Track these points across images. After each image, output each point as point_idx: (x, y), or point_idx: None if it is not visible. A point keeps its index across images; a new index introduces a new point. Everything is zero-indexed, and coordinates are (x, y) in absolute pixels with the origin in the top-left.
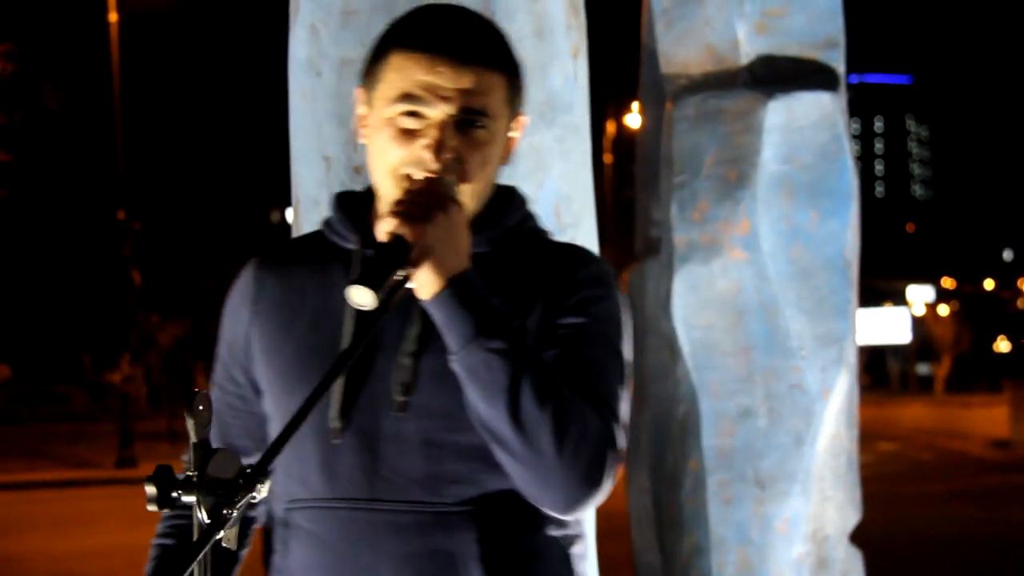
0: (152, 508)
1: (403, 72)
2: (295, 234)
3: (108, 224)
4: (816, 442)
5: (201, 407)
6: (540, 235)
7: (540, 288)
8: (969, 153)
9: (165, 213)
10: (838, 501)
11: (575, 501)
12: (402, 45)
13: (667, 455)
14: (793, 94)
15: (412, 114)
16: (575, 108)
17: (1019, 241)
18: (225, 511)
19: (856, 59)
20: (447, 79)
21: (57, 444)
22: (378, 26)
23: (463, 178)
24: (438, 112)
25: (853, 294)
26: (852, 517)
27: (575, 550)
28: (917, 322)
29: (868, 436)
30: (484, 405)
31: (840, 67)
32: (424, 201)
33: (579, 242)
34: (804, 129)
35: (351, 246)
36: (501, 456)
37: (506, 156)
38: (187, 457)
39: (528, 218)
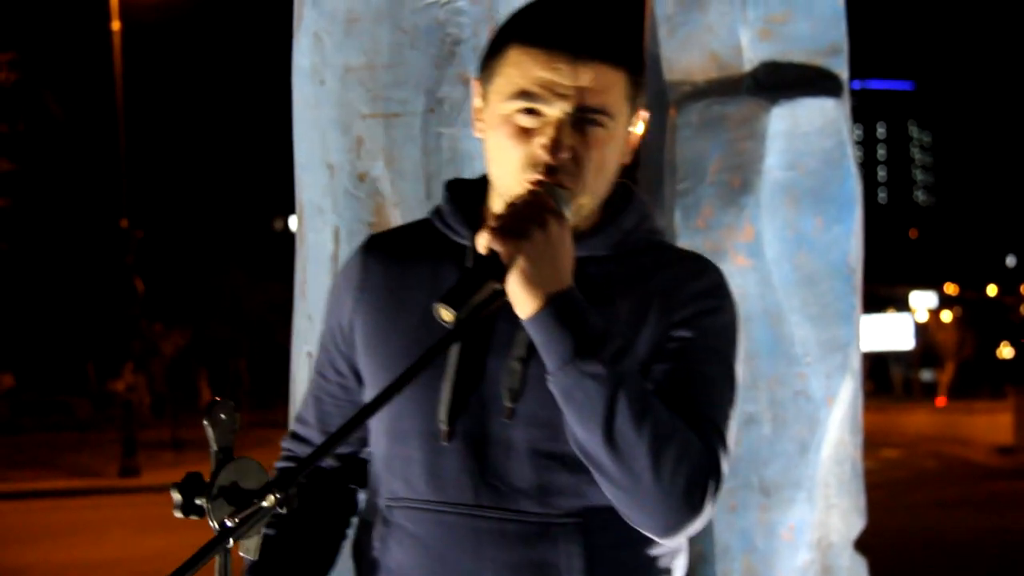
0: (178, 515)
1: (521, 68)
2: (298, 243)
3: (111, 232)
4: (821, 449)
5: (222, 415)
6: (657, 238)
7: (655, 297)
8: (971, 159)
9: (168, 221)
10: (843, 508)
11: (673, 526)
12: (520, 40)
13: None
14: (797, 100)
15: (529, 111)
16: None
17: (1022, 247)
18: (239, 520)
19: (859, 65)
20: (565, 76)
21: (60, 453)
22: (382, 34)
23: (579, 178)
24: (555, 110)
25: (857, 300)
26: (857, 524)
27: (675, 564)
28: (920, 328)
29: (872, 443)
30: (579, 428)
31: (844, 73)
32: (523, 216)
33: None
34: (808, 135)
35: (464, 241)
36: (598, 478)
37: (628, 153)
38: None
39: (645, 219)
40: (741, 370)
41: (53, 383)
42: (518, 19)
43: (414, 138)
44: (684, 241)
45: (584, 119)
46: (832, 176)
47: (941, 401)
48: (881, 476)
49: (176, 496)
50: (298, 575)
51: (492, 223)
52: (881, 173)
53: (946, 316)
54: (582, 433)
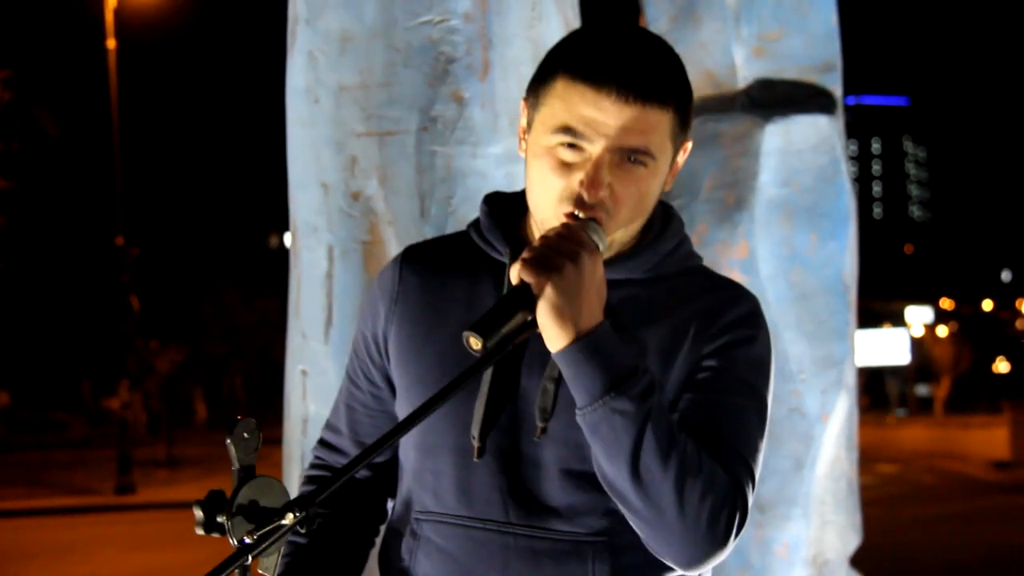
0: (200, 532)
1: (567, 102)
2: (292, 262)
3: (107, 250)
4: (816, 466)
5: (245, 433)
6: (694, 262)
7: (689, 323)
8: (967, 174)
9: (164, 239)
10: (839, 525)
11: (696, 559)
12: (569, 72)
13: None
14: (791, 117)
15: (571, 146)
16: None
17: (1017, 262)
18: (258, 538)
19: (853, 81)
20: (610, 116)
21: (55, 471)
22: (376, 53)
23: (616, 214)
24: (597, 148)
25: (852, 317)
26: (853, 541)
27: None
28: (916, 343)
29: (868, 458)
30: (606, 462)
31: (837, 90)
32: (555, 250)
33: None
34: (802, 152)
35: (501, 258)
36: (623, 510)
37: (668, 182)
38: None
39: (683, 242)
40: (771, 399)
41: (48, 401)
42: (568, 48)
43: (408, 156)
44: None
45: (626, 158)
46: (826, 193)
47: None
48: (877, 492)
49: (199, 513)
50: None
51: (525, 254)
52: (877, 188)
53: (942, 331)
54: (608, 467)
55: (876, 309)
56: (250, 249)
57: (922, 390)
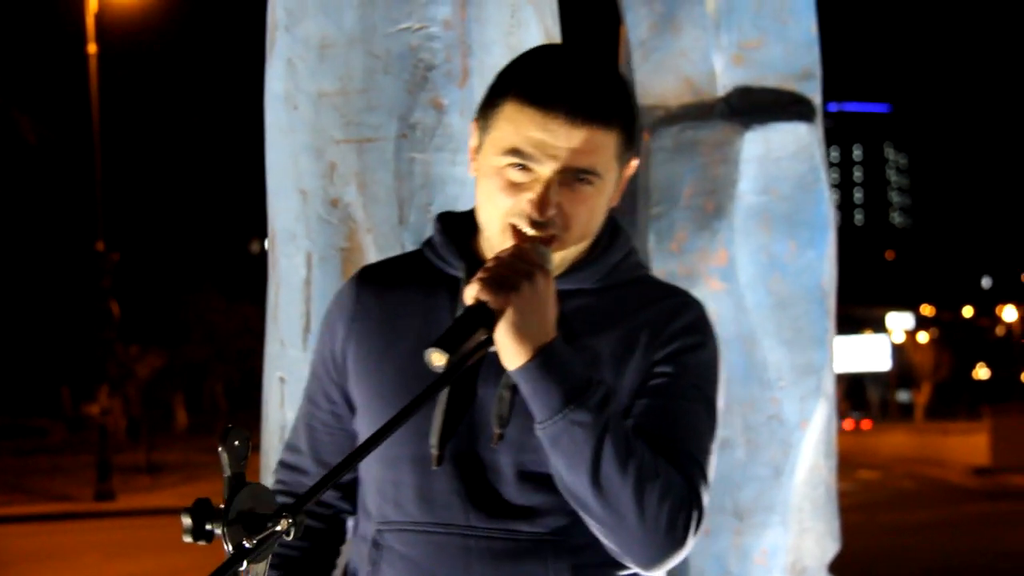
0: (187, 540)
1: (516, 125)
2: (270, 269)
3: (87, 255)
4: (794, 473)
5: (236, 442)
6: (642, 272)
7: (639, 332)
8: (947, 181)
9: (144, 244)
10: (817, 532)
11: (657, 560)
12: (518, 95)
13: None
14: (770, 125)
15: (521, 166)
16: None
17: (998, 268)
18: (251, 545)
19: (835, 88)
20: (559, 138)
21: (34, 477)
22: (355, 60)
23: (565, 232)
24: (546, 169)
25: (831, 324)
26: (831, 548)
27: None
28: (897, 349)
29: (848, 464)
30: (567, 473)
31: (817, 98)
32: (511, 269)
33: None
34: (781, 160)
35: (457, 273)
36: (584, 516)
37: (616, 197)
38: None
39: (631, 253)
40: (721, 402)
41: (27, 406)
42: (517, 72)
43: (387, 163)
44: (658, 265)
45: (574, 178)
46: (805, 200)
47: (867, 424)
48: (857, 498)
49: (186, 521)
50: None
51: (481, 274)
52: (858, 195)
53: (922, 337)
54: (569, 477)
55: (857, 315)
56: (231, 255)
57: (903, 396)
